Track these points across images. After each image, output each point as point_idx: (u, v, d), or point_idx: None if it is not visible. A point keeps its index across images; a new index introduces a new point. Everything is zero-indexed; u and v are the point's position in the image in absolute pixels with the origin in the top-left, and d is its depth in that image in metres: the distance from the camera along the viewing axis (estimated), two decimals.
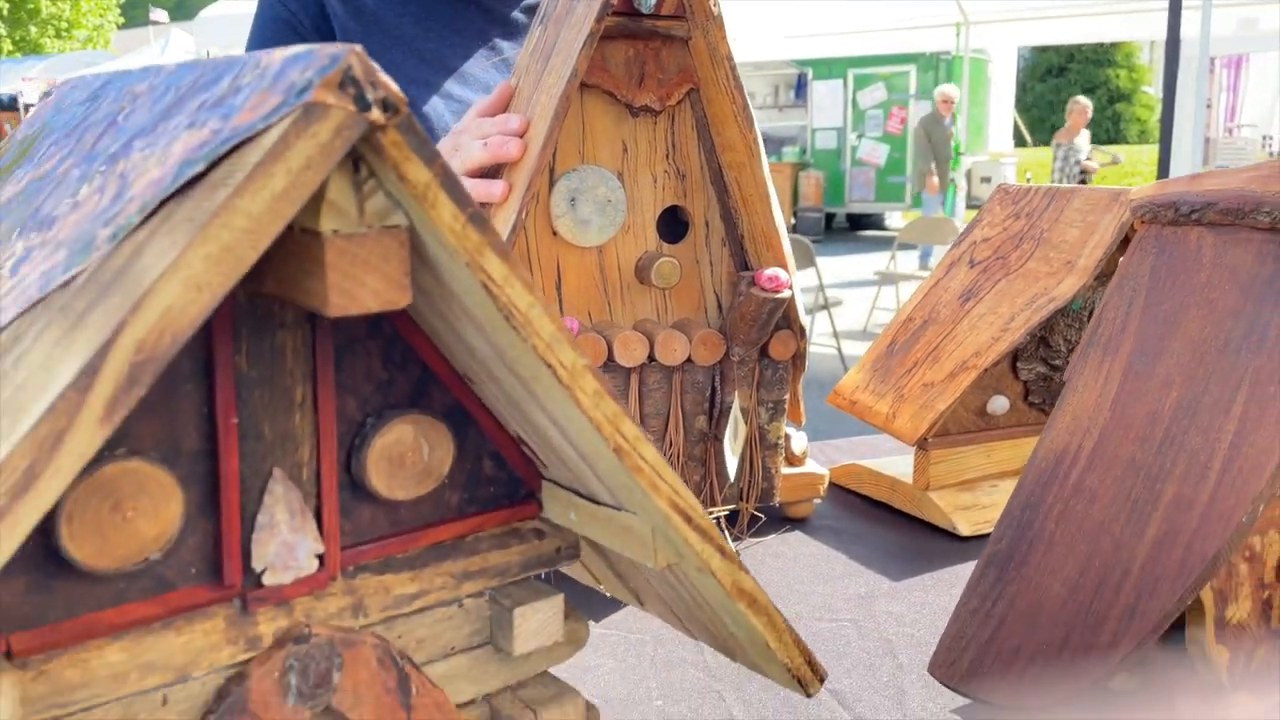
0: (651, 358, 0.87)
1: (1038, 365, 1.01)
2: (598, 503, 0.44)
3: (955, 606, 0.64)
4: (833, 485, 1.11)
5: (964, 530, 0.96)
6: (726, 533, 0.94)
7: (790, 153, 12.80)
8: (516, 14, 1.20)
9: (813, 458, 1.03)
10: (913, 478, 1.02)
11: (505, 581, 0.46)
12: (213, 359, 0.37)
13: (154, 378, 0.27)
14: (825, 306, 5.68)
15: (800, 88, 12.82)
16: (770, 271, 0.86)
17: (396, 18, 1.15)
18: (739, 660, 0.50)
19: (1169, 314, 0.64)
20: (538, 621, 0.45)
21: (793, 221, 11.85)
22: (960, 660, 0.61)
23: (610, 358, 0.85)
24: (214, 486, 0.37)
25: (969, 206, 10.52)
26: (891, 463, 1.08)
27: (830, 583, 0.87)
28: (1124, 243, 0.97)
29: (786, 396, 0.94)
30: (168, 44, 11.99)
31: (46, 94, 0.54)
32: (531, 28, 0.89)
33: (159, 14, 13.55)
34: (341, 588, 0.41)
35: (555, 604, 0.46)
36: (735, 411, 0.90)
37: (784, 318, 0.90)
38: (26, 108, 14.33)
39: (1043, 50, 22.75)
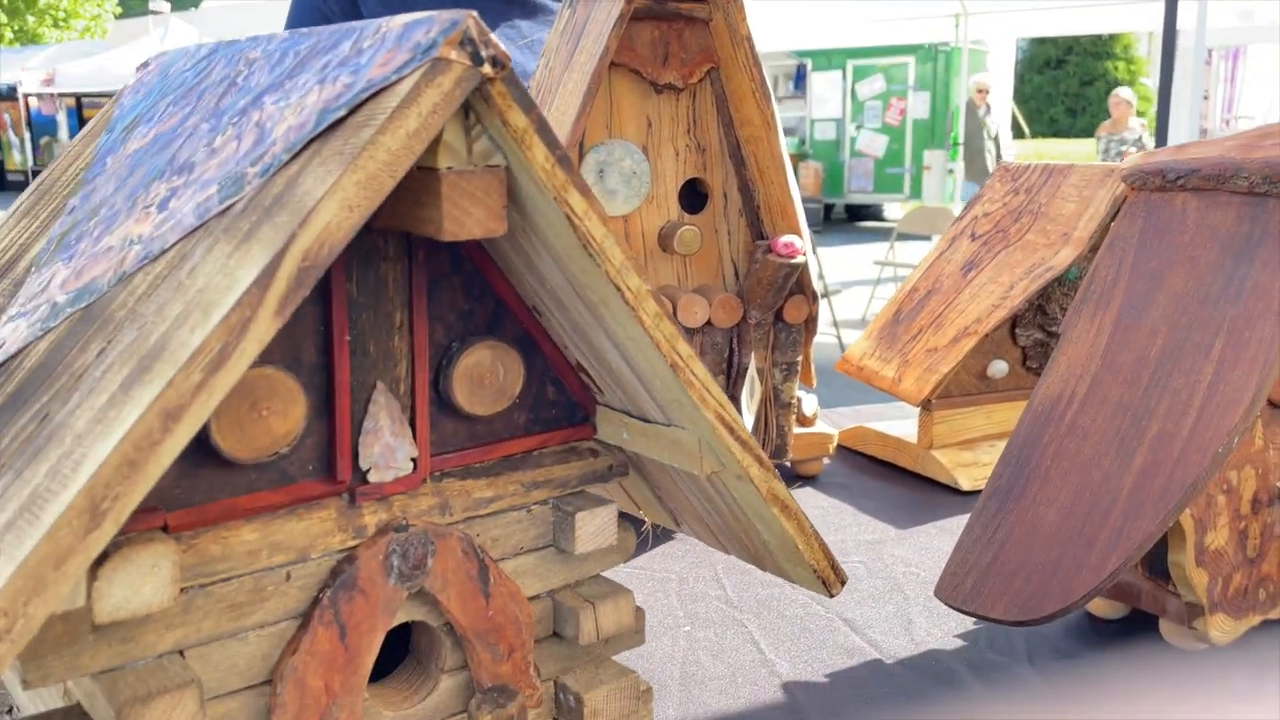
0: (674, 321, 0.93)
1: (1035, 331, 1.07)
2: (648, 420, 0.50)
3: (959, 537, 0.70)
4: (840, 448, 1.17)
5: (965, 485, 1.02)
6: None
7: (789, 144, 12.78)
8: None
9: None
10: (917, 437, 1.08)
11: (566, 492, 0.52)
12: (329, 286, 0.43)
13: (314, 282, 0.34)
14: (825, 295, 5.74)
15: (799, 79, 12.85)
16: (786, 239, 0.92)
17: (424, 4, 1.21)
18: (767, 568, 0.56)
19: (1155, 270, 0.70)
20: (596, 525, 0.51)
21: None
22: (964, 582, 0.67)
23: None
24: (329, 394, 0.44)
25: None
26: (896, 425, 1.14)
27: (841, 531, 0.94)
28: (1117, 215, 1.03)
29: (800, 358, 1.00)
30: (167, 33, 12.03)
31: (144, 64, 0.60)
32: (560, 10, 0.95)
33: (159, 4, 13.57)
34: (431, 489, 0.47)
35: (610, 511, 0.52)
36: (751, 372, 0.96)
37: (798, 283, 0.96)
38: (25, 97, 14.37)
39: (1041, 42, 22.79)
